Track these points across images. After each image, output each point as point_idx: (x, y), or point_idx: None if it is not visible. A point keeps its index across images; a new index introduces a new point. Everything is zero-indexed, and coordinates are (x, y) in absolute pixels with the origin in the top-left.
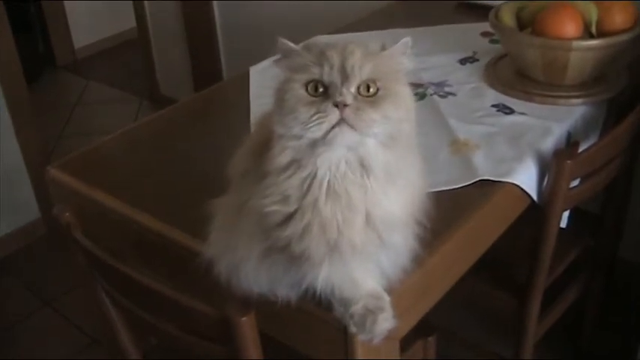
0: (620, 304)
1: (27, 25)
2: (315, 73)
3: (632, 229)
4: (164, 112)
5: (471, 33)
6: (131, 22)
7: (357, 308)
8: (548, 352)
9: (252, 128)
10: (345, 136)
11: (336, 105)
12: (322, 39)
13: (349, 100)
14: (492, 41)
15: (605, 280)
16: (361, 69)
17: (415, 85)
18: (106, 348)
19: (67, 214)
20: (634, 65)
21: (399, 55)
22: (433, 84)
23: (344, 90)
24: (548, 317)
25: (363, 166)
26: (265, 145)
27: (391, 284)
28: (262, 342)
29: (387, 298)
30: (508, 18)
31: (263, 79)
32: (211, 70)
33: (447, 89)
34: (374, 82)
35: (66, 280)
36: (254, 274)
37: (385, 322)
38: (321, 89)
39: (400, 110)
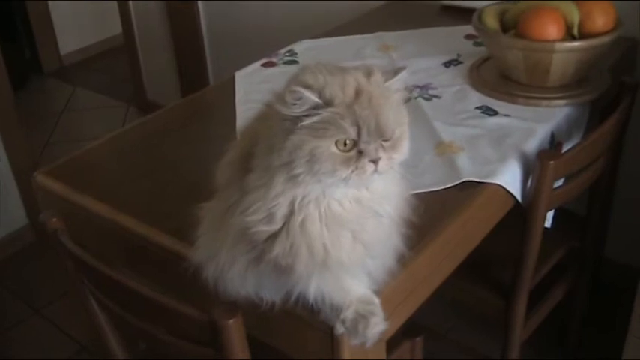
0: (605, 303)
1: (13, 32)
2: (351, 133)
3: (617, 229)
4: (151, 117)
5: (455, 36)
6: (117, 29)
7: (348, 314)
8: (535, 351)
9: (238, 135)
10: (372, 180)
11: (373, 161)
12: (308, 44)
13: (382, 154)
14: (476, 44)
15: (591, 280)
16: (392, 127)
17: None
18: (95, 353)
19: (55, 219)
20: (616, 66)
21: (399, 84)
22: (418, 87)
23: (380, 149)
24: (535, 317)
25: (365, 190)
26: (250, 154)
27: (378, 286)
28: (250, 345)
29: (377, 301)
30: (491, 21)
31: (248, 84)
32: (198, 75)
33: (431, 92)
34: (396, 129)
35: (55, 287)
36: (239, 280)
37: (377, 326)
38: (349, 143)
39: (408, 137)
